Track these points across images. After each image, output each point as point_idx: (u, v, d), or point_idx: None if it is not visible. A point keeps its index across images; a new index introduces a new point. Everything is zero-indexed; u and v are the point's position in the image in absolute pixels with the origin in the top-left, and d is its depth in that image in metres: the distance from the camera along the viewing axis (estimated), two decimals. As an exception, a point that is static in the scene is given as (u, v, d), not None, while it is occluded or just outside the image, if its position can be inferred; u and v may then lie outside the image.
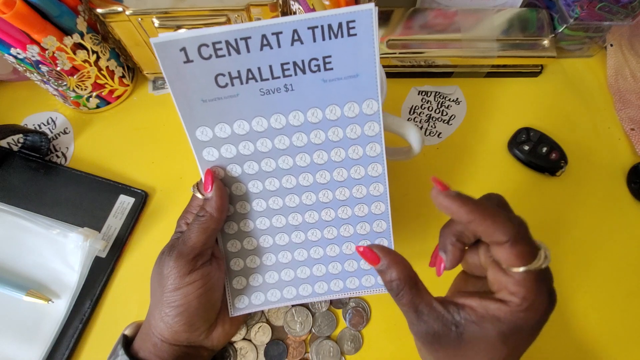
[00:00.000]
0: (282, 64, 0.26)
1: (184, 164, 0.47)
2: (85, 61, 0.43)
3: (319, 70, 0.27)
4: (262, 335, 0.39)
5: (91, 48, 0.43)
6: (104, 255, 0.42)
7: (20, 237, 0.41)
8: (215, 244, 0.32)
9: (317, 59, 0.26)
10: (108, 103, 0.50)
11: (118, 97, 0.50)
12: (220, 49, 0.26)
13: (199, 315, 0.30)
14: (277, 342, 0.39)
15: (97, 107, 0.49)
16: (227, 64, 0.26)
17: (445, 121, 0.50)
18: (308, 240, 0.33)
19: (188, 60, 0.26)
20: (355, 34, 0.26)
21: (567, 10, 0.48)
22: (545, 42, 0.48)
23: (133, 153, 0.48)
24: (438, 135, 0.49)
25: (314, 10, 0.39)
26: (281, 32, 0.25)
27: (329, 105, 0.28)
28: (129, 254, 0.43)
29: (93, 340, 0.40)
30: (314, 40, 0.26)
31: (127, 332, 0.33)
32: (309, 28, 0.25)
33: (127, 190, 0.45)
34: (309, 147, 0.30)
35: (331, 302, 0.41)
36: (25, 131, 0.45)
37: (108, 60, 0.45)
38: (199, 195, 0.31)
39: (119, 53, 0.48)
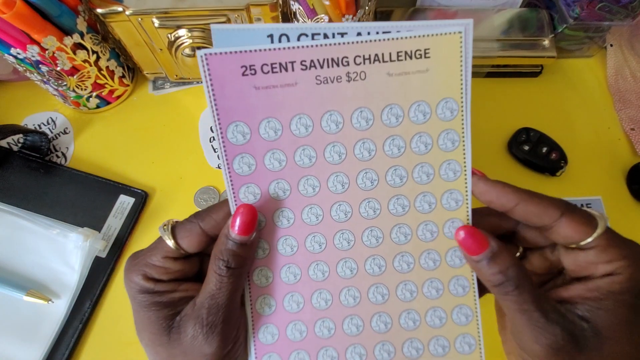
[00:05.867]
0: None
1: (184, 164, 0.47)
2: (85, 61, 0.43)
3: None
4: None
5: (91, 48, 0.43)
6: (104, 255, 0.42)
7: (20, 237, 0.41)
8: None
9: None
10: (108, 103, 0.50)
11: (118, 97, 0.50)
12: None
13: None
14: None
15: (97, 107, 0.49)
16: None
17: (445, 121, 0.50)
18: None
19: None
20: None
21: (567, 10, 0.48)
22: (545, 42, 0.48)
23: (133, 153, 0.48)
24: (438, 135, 0.49)
25: (314, 10, 0.39)
26: None
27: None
28: (129, 254, 0.43)
29: (93, 340, 0.40)
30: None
31: None
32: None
33: (127, 190, 0.45)
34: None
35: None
36: (25, 131, 0.45)
37: (108, 60, 0.45)
38: (170, 243, 0.23)
39: (119, 53, 0.48)
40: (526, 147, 0.46)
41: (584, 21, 0.47)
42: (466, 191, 0.24)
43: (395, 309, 0.26)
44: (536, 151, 0.46)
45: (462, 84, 0.23)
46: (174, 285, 0.23)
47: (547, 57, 0.48)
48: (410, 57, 0.22)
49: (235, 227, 0.22)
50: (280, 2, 0.40)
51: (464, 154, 0.24)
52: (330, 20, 0.39)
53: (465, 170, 0.24)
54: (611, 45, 0.53)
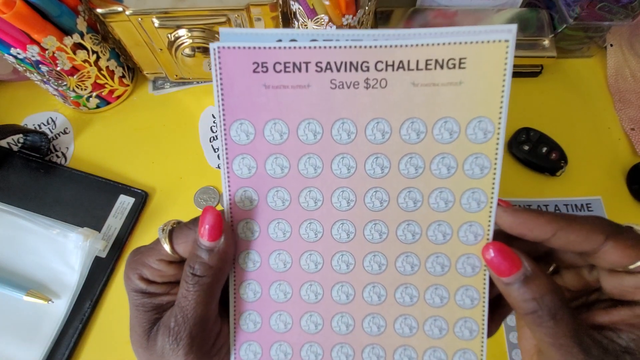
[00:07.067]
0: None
1: (184, 164, 0.47)
2: (85, 61, 0.43)
3: None
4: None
5: (91, 48, 0.43)
6: (104, 255, 0.42)
7: (20, 237, 0.41)
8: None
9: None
10: (108, 103, 0.50)
11: (118, 97, 0.50)
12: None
13: None
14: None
15: (97, 107, 0.49)
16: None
17: (445, 121, 0.50)
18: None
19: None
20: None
21: (567, 10, 0.48)
22: (545, 42, 0.48)
23: (133, 153, 0.48)
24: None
25: (314, 10, 0.39)
26: None
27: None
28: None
29: (93, 340, 0.40)
30: None
31: None
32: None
33: (127, 190, 0.45)
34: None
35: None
36: (25, 131, 0.45)
37: (108, 60, 0.45)
38: (166, 247, 0.22)
39: (119, 53, 0.48)
40: (526, 147, 0.46)
41: (584, 21, 0.47)
42: (489, 225, 0.22)
43: (390, 342, 0.24)
44: (536, 151, 0.46)
45: (501, 102, 0.20)
46: (167, 287, 0.23)
47: (547, 57, 0.48)
48: (442, 67, 0.20)
49: (201, 232, 0.21)
50: (280, 2, 0.40)
51: (493, 184, 0.21)
52: (330, 20, 0.39)
53: (491, 203, 0.21)
54: (611, 45, 0.53)
